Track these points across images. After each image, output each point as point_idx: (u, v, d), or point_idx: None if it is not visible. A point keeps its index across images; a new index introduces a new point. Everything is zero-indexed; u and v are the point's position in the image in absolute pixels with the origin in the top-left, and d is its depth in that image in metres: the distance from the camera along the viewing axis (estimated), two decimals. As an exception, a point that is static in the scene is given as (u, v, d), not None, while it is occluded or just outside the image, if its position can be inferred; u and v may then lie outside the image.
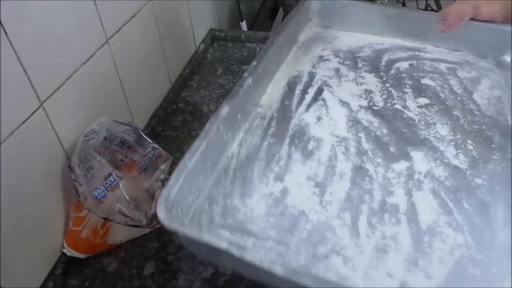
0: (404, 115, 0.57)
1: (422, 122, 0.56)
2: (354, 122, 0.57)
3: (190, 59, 0.97)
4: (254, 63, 0.57)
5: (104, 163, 0.53)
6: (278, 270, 0.35)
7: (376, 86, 0.62)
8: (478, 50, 0.67)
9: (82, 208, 0.56)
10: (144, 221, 0.53)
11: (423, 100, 0.60)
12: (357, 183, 0.49)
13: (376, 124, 0.56)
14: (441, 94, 0.60)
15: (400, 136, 0.54)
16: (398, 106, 0.59)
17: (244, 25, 1.17)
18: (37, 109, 0.51)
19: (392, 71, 0.65)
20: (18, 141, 0.48)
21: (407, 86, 0.62)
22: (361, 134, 0.55)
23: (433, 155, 0.52)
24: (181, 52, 0.94)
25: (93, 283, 0.57)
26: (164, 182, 0.58)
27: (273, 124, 0.57)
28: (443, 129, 0.55)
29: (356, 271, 0.41)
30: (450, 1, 1.36)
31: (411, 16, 0.72)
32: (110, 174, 0.53)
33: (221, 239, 0.39)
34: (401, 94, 0.61)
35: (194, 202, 0.46)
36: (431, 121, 0.56)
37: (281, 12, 1.34)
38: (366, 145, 0.53)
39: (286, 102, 0.60)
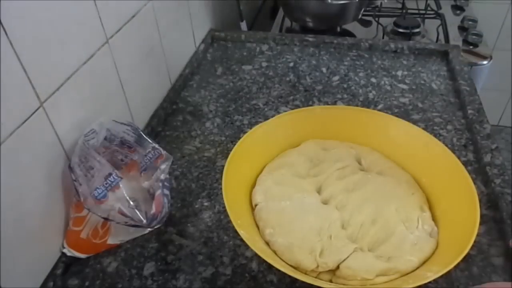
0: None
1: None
2: None
3: (190, 59, 0.97)
4: None
5: (104, 163, 0.53)
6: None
7: None
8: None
9: (82, 208, 0.56)
10: (144, 221, 0.53)
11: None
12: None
13: None
14: None
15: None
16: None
17: (244, 25, 1.17)
18: (37, 109, 0.51)
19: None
20: (18, 141, 0.48)
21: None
22: None
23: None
24: (181, 52, 0.94)
25: (93, 283, 0.57)
26: (164, 182, 0.58)
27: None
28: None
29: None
30: (450, 0, 1.36)
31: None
32: (110, 174, 0.53)
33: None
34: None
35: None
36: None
37: (281, 12, 1.33)
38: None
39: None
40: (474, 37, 1.21)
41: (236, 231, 0.50)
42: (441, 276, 0.46)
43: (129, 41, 0.70)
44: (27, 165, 0.50)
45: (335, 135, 0.69)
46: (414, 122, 0.79)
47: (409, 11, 1.33)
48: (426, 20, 1.27)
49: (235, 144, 0.62)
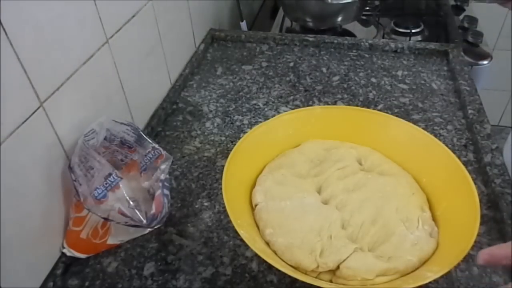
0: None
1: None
2: None
3: (190, 59, 0.97)
4: None
5: (104, 163, 0.53)
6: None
7: None
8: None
9: (82, 208, 0.56)
10: (144, 221, 0.53)
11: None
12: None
13: None
14: None
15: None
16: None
17: (244, 25, 1.17)
18: (37, 109, 0.51)
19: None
20: (18, 141, 0.48)
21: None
22: None
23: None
24: (181, 52, 0.94)
25: (93, 283, 0.57)
26: (164, 182, 0.58)
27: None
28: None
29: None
30: (450, 0, 1.35)
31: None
32: (110, 174, 0.53)
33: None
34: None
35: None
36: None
37: (281, 12, 1.33)
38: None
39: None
40: (474, 37, 1.21)
41: (236, 231, 0.50)
42: (442, 276, 0.46)
43: (129, 41, 0.70)
44: (27, 165, 0.50)
45: (336, 135, 0.68)
46: (414, 122, 0.79)
47: (409, 11, 1.33)
48: (426, 20, 1.27)
49: (235, 144, 0.62)
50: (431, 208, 0.58)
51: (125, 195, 0.53)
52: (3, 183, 0.46)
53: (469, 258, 0.56)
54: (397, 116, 0.76)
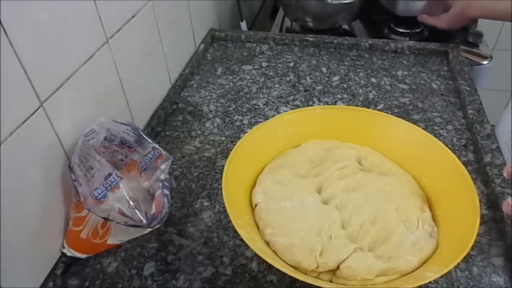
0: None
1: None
2: None
3: (190, 59, 0.97)
4: None
5: (104, 163, 0.53)
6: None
7: None
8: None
9: (82, 208, 0.56)
10: (144, 221, 0.53)
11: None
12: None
13: None
14: None
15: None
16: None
17: (244, 25, 1.17)
18: (37, 109, 0.51)
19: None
20: (18, 141, 0.48)
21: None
22: None
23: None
24: (181, 52, 0.94)
25: (93, 283, 0.57)
26: (164, 182, 0.58)
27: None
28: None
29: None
30: None
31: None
32: (110, 174, 0.53)
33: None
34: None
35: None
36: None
37: (281, 12, 1.33)
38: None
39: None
40: (474, 37, 1.21)
41: (236, 231, 0.50)
42: (441, 276, 0.47)
43: (129, 41, 0.70)
44: (27, 165, 0.50)
45: (336, 135, 0.68)
46: (414, 122, 0.79)
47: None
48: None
49: (235, 144, 0.62)
50: (431, 208, 0.58)
51: (125, 195, 0.53)
52: (3, 183, 0.46)
53: (469, 258, 0.56)
54: (397, 116, 0.76)
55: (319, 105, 0.85)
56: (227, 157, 0.59)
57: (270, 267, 0.57)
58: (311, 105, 0.85)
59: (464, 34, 1.23)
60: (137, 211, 0.53)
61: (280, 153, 0.67)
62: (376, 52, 1.01)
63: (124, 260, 0.59)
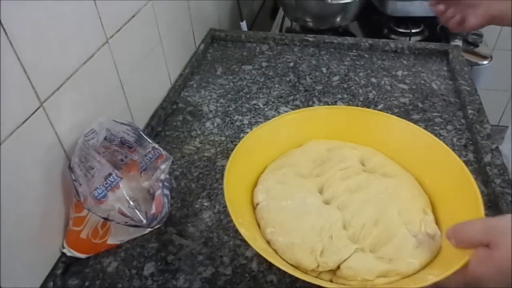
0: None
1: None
2: None
3: (190, 59, 0.97)
4: None
5: (104, 163, 0.53)
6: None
7: None
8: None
9: (82, 208, 0.56)
10: (144, 221, 0.53)
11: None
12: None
13: None
14: None
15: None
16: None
17: (244, 25, 1.17)
18: (37, 109, 0.51)
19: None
20: (18, 141, 0.48)
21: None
22: None
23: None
24: (181, 52, 0.94)
25: (93, 283, 0.57)
26: (164, 182, 0.58)
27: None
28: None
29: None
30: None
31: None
32: (110, 174, 0.53)
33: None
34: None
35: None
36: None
37: (281, 12, 1.33)
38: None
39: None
40: (474, 37, 1.21)
41: (236, 231, 0.50)
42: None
43: (129, 41, 0.70)
44: (27, 165, 0.50)
45: (339, 135, 0.68)
46: (415, 122, 0.79)
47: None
48: (426, 20, 1.27)
49: (235, 144, 0.62)
50: (434, 210, 0.58)
51: (125, 195, 0.53)
52: (3, 183, 0.46)
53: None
54: (397, 116, 0.76)
55: (319, 105, 0.85)
56: (227, 157, 0.59)
57: (270, 267, 0.57)
58: (311, 105, 0.85)
59: (464, 34, 1.24)
60: (137, 211, 0.53)
61: (282, 153, 0.66)
62: (376, 52, 1.01)
63: (124, 260, 0.59)
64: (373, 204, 0.57)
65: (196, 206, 0.66)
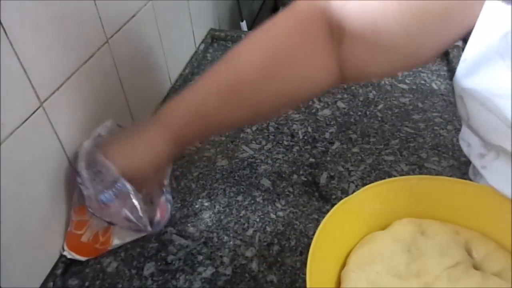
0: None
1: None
2: None
3: (190, 59, 0.97)
4: None
5: (112, 168, 0.53)
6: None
7: None
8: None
9: (84, 212, 0.56)
10: (150, 229, 0.53)
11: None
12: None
13: None
14: None
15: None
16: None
17: (244, 25, 1.17)
18: (37, 109, 0.51)
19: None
20: (18, 141, 0.48)
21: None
22: None
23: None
24: (181, 52, 0.94)
25: (93, 283, 0.57)
26: (166, 187, 0.58)
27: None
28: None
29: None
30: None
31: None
32: (118, 179, 0.52)
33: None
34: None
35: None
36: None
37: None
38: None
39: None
40: (474, 37, 1.21)
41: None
42: None
43: (129, 41, 0.70)
44: (27, 165, 0.50)
45: (434, 213, 0.54)
46: (415, 122, 0.79)
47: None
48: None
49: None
50: None
51: (133, 200, 0.52)
52: (3, 183, 0.46)
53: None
54: (397, 116, 0.77)
55: (319, 104, 0.85)
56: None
57: (270, 267, 0.57)
58: (310, 105, 0.85)
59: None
60: (143, 218, 0.53)
61: (365, 235, 0.53)
62: (376, 52, 1.01)
63: (124, 260, 0.59)
64: None
65: (196, 206, 0.66)
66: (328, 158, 0.73)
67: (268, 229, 0.62)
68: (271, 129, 0.79)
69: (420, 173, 0.69)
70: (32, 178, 0.51)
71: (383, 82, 0.91)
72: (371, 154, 0.73)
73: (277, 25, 0.52)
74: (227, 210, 0.65)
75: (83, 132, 0.59)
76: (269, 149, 0.75)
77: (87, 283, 0.57)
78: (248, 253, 0.59)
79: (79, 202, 0.56)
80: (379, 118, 0.81)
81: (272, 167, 0.71)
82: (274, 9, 1.46)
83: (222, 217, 0.64)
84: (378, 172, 0.70)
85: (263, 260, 0.58)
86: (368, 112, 0.82)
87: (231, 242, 0.60)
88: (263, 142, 0.76)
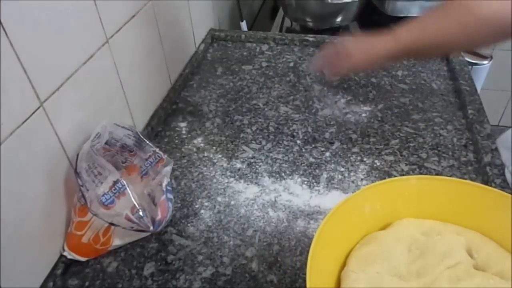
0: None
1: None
2: None
3: (190, 59, 0.97)
4: None
5: (112, 170, 0.53)
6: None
7: None
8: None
9: (85, 213, 0.56)
10: (151, 228, 0.53)
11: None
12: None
13: None
14: None
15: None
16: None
17: (244, 25, 1.17)
18: (37, 109, 0.51)
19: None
20: (18, 141, 0.48)
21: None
22: None
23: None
24: (181, 52, 0.94)
25: (93, 283, 0.57)
26: (167, 187, 0.58)
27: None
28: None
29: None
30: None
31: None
32: (118, 181, 0.52)
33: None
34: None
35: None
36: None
37: (281, 12, 1.33)
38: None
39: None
40: (474, 37, 1.21)
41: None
42: None
43: (129, 41, 0.70)
44: (27, 165, 0.50)
45: (434, 213, 0.54)
46: (415, 122, 0.79)
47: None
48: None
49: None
50: None
51: (134, 202, 0.52)
52: (3, 183, 0.46)
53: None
54: (397, 116, 0.77)
55: (319, 105, 0.85)
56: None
57: (270, 267, 0.57)
58: (310, 105, 0.85)
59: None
60: (144, 218, 0.53)
61: (365, 234, 0.53)
62: (376, 52, 1.01)
63: (124, 260, 0.59)
64: None
65: (196, 206, 0.66)
66: (328, 158, 0.73)
67: (268, 229, 0.62)
68: (271, 129, 0.79)
69: (420, 173, 0.69)
70: (32, 178, 0.51)
71: (383, 82, 0.91)
72: (371, 154, 0.73)
73: None
74: (227, 210, 0.65)
75: (83, 132, 0.59)
76: (269, 149, 0.75)
77: (87, 283, 0.57)
78: (248, 253, 0.59)
79: (80, 203, 0.56)
80: (379, 118, 0.81)
81: (272, 167, 0.72)
82: (274, 9, 1.46)
83: (222, 217, 0.64)
84: (378, 172, 0.70)
85: (263, 260, 0.58)
86: (368, 112, 0.83)
87: (231, 242, 0.60)
88: (263, 142, 0.76)
